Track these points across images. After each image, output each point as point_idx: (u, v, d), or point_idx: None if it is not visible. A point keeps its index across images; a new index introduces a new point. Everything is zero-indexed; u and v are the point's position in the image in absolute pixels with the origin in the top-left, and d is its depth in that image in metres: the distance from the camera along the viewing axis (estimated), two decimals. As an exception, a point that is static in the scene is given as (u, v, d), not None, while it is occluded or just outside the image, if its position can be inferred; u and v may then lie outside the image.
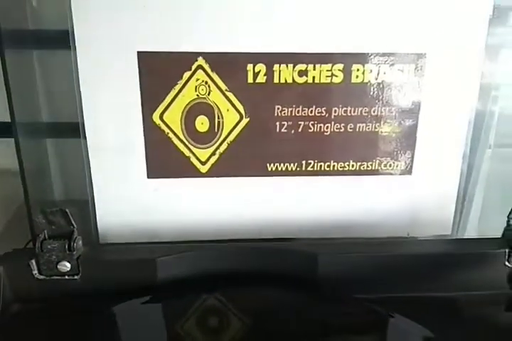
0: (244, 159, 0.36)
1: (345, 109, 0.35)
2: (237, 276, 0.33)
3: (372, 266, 0.33)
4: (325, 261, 0.32)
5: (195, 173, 0.36)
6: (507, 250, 0.33)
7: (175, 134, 0.35)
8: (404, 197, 0.38)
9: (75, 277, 0.31)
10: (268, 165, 0.36)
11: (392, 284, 0.32)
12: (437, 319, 0.30)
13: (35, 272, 0.31)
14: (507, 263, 0.33)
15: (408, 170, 0.37)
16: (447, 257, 0.33)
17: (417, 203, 0.38)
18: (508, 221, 0.34)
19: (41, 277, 0.31)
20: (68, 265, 0.31)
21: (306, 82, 0.34)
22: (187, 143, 0.35)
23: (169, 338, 0.30)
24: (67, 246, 0.30)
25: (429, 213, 0.38)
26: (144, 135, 0.35)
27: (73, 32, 0.32)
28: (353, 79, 0.35)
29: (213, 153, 0.36)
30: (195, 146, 0.35)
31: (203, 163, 0.36)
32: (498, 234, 0.35)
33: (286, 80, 0.34)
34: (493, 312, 0.32)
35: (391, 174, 0.37)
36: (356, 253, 0.33)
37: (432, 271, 0.33)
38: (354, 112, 0.35)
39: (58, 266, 0.31)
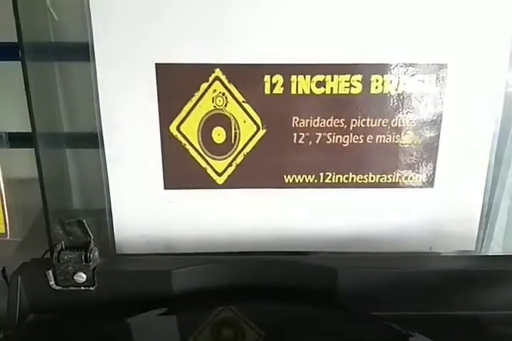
0: (260, 170, 0.36)
1: (364, 120, 0.35)
2: (252, 289, 0.32)
3: (391, 281, 0.32)
4: (343, 275, 0.32)
5: (212, 184, 0.36)
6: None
7: (192, 145, 0.35)
8: (426, 211, 0.37)
9: (91, 288, 0.31)
10: (285, 176, 0.36)
11: (412, 301, 0.31)
12: (458, 339, 0.29)
13: (52, 282, 0.31)
14: (534, 281, 0.32)
15: (430, 183, 0.36)
16: (470, 274, 0.32)
17: (439, 217, 0.37)
18: (535, 237, 0.33)
19: (58, 287, 0.31)
20: (84, 276, 0.31)
21: (324, 93, 0.34)
22: (203, 154, 0.35)
23: None
24: (83, 257, 0.30)
25: (452, 227, 0.37)
26: (161, 146, 0.35)
27: (93, 44, 0.33)
28: (373, 90, 0.34)
29: (230, 164, 0.35)
30: (211, 157, 0.35)
31: (220, 175, 0.36)
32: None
33: (303, 91, 0.34)
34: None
35: (412, 187, 0.36)
36: (375, 269, 0.32)
37: (454, 289, 0.32)
38: (374, 123, 0.35)
39: (74, 277, 0.31)
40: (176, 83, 0.33)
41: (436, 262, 0.34)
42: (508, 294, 0.31)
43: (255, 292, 0.33)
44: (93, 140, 0.35)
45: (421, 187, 0.36)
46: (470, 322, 0.31)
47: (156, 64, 0.33)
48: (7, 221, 0.35)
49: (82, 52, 0.33)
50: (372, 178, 0.36)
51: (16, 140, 0.38)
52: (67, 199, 0.40)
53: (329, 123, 0.35)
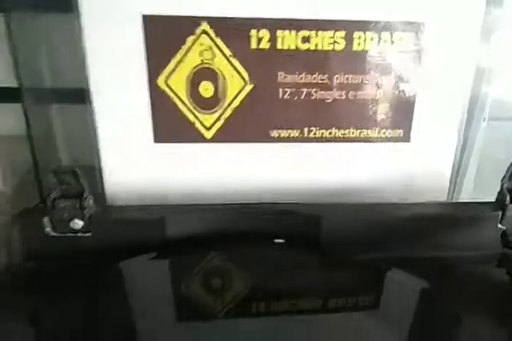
0: (248, 125, 0.37)
1: (346, 76, 0.36)
2: (241, 236, 0.34)
3: (368, 228, 0.35)
4: (327, 223, 0.34)
5: (200, 139, 0.37)
6: (500, 212, 0.35)
7: (180, 99, 0.36)
8: (403, 164, 0.39)
9: (87, 234, 0.32)
10: (271, 131, 0.37)
11: (388, 245, 0.34)
12: (432, 275, 0.31)
13: (48, 229, 0.32)
14: (499, 225, 0.35)
15: (406, 138, 0.38)
16: (444, 219, 0.35)
17: (414, 170, 0.39)
18: (501, 185, 0.36)
19: (54, 234, 0.32)
20: (80, 223, 0.32)
21: (309, 48, 0.35)
22: (192, 108, 0.36)
23: (172, 294, 0.31)
24: (78, 205, 0.31)
25: (425, 180, 0.39)
26: (150, 100, 0.35)
27: (78, -4, 0.32)
28: (355, 47, 0.35)
29: (218, 119, 0.37)
30: (200, 112, 0.36)
31: (208, 129, 0.37)
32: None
33: (289, 47, 0.35)
34: (485, 268, 0.33)
35: (390, 141, 0.38)
36: (356, 215, 0.35)
37: (427, 233, 0.35)
38: (355, 80, 0.36)
39: (71, 224, 0.32)
40: (163, 36, 0.34)
41: (412, 209, 0.36)
42: (477, 236, 0.34)
43: (244, 239, 0.35)
44: (81, 95, 0.36)
45: (398, 141, 0.38)
46: (442, 262, 0.34)
47: (143, 15, 0.33)
48: (-2, 173, 0.36)
49: (67, 3, 0.33)
50: (353, 133, 0.38)
51: (4, 95, 0.38)
52: (56, 156, 0.40)
53: (314, 79, 0.36)
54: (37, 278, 0.32)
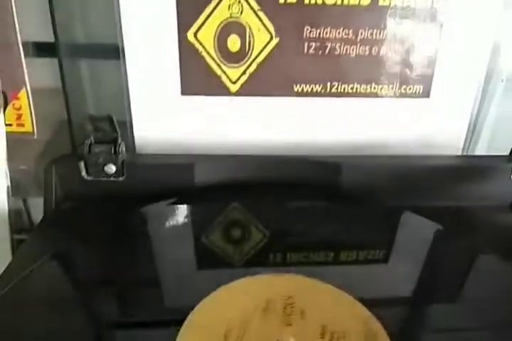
0: (272, 79, 0.38)
1: (370, 31, 0.37)
2: (265, 185, 0.36)
3: (386, 178, 0.36)
4: (347, 173, 0.36)
5: (226, 92, 0.38)
6: (513, 165, 0.36)
7: (208, 53, 0.37)
8: (421, 120, 0.40)
9: (120, 179, 0.34)
10: (294, 85, 0.38)
11: (405, 195, 0.35)
12: (446, 220, 0.33)
13: (84, 173, 0.34)
14: (512, 177, 0.36)
15: (426, 94, 0.39)
16: (458, 171, 0.36)
17: (431, 126, 0.40)
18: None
19: (89, 178, 0.34)
20: (114, 167, 0.34)
21: (335, 3, 0.36)
22: (219, 62, 0.37)
23: (191, 241, 0.33)
24: (113, 150, 0.33)
25: (442, 136, 0.41)
26: (179, 53, 0.37)
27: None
28: (380, 2, 0.36)
29: (243, 73, 0.38)
30: (226, 65, 0.37)
31: (234, 83, 0.38)
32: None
33: (316, 1, 0.36)
34: (497, 216, 0.35)
35: (410, 97, 0.39)
36: (374, 167, 0.36)
37: (443, 184, 0.36)
38: (379, 35, 0.37)
39: (105, 168, 0.34)
40: (194, -11, 0.35)
41: (430, 160, 0.37)
42: (490, 188, 0.36)
43: (268, 188, 0.36)
44: (113, 50, 0.37)
45: (418, 97, 0.39)
46: (456, 211, 0.35)
47: (175, -30, 0.34)
48: (34, 121, 0.37)
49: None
50: (374, 88, 0.39)
51: (41, 49, 0.39)
52: (87, 109, 0.42)
53: (338, 33, 0.37)
54: (73, 217, 0.34)
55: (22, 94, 0.37)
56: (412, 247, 0.31)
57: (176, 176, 0.35)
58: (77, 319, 0.25)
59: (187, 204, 0.35)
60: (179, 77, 0.37)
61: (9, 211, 0.37)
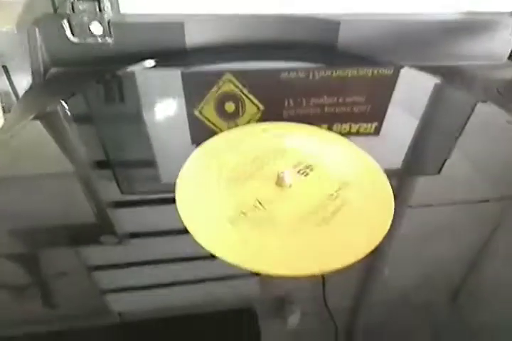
0: None
1: None
2: (260, 45, 0.35)
3: (384, 34, 0.35)
4: (344, 29, 0.34)
5: None
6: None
7: None
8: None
9: (107, 39, 0.33)
10: None
11: (402, 52, 0.35)
12: (444, 76, 0.33)
13: (69, 34, 0.32)
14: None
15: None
16: (458, 27, 0.35)
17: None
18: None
19: (75, 40, 0.33)
20: (100, 27, 0.32)
21: None
22: None
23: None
24: (97, 6, 0.31)
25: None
26: None
27: None
28: None
29: None
30: None
31: None
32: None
33: None
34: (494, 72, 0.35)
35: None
36: (372, 23, 0.34)
37: (442, 41, 0.35)
38: None
39: (91, 28, 0.32)
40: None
41: (429, 17, 0.36)
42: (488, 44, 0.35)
43: (263, 48, 0.35)
44: None
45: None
46: (455, 69, 0.35)
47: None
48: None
49: None
50: None
51: None
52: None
53: None
54: (59, 82, 0.33)
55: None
56: (411, 102, 0.31)
57: (167, 35, 0.33)
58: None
59: (178, 66, 0.34)
60: None
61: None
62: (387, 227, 0.21)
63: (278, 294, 0.21)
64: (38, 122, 0.28)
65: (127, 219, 0.23)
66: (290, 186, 0.23)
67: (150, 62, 0.33)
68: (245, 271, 0.20)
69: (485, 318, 0.19)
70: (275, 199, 0.23)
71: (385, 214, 0.22)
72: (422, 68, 0.33)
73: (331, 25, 0.34)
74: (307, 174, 0.24)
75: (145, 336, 0.18)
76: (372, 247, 0.21)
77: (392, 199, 0.23)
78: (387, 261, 0.22)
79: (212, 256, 0.20)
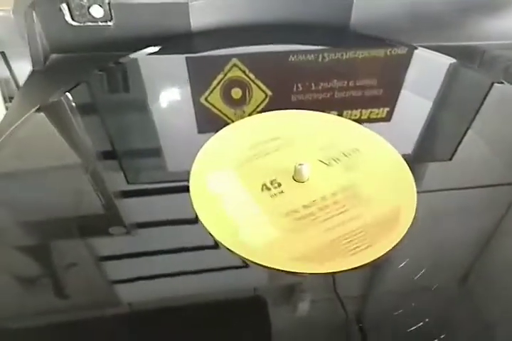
0: None
1: None
2: (271, 27, 0.33)
3: (399, 14, 0.33)
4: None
5: None
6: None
7: None
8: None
9: (108, 23, 0.32)
10: None
11: (417, 33, 0.34)
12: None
13: (68, 17, 0.31)
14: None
15: None
16: (476, 2, 0.33)
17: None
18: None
19: (75, 24, 0.32)
20: (101, 10, 0.31)
21: None
22: None
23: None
24: (97, -11, 0.30)
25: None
26: None
27: None
28: None
29: None
30: None
31: None
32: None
33: None
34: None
35: None
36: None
37: (457, 22, 0.34)
38: None
39: (91, 11, 0.31)
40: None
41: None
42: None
43: (273, 30, 0.34)
44: None
45: None
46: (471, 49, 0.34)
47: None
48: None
49: None
50: None
51: None
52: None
53: None
54: (61, 69, 0.32)
55: None
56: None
57: (170, 18, 0.32)
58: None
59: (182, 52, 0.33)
60: None
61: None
62: (411, 218, 0.21)
63: (288, 282, 0.20)
64: (41, 114, 0.27)
65: (135, 209, 0.23)
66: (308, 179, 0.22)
67: (153, 48, 0.32)
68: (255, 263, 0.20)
69: (501, 307, 0.19)
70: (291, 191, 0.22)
71: (408, 206, 0.22)
72: (437, 48, 0.32)
73: (343, 4, 0.33)
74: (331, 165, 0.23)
75: (155, 326, 0.18)
76: (402, 234, 0.20)
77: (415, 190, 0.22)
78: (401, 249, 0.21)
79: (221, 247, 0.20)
